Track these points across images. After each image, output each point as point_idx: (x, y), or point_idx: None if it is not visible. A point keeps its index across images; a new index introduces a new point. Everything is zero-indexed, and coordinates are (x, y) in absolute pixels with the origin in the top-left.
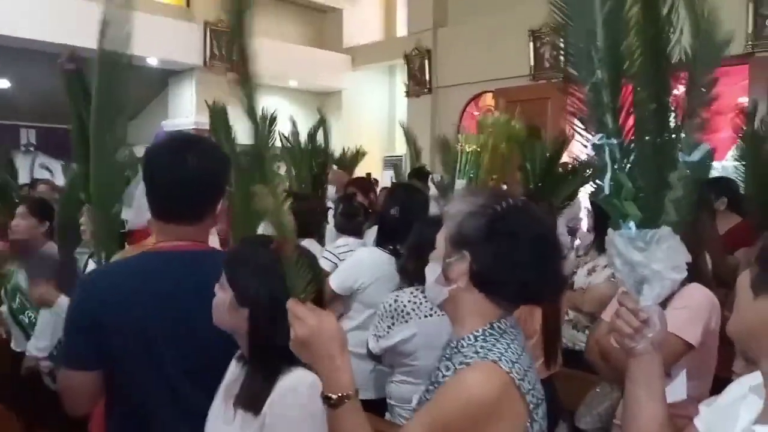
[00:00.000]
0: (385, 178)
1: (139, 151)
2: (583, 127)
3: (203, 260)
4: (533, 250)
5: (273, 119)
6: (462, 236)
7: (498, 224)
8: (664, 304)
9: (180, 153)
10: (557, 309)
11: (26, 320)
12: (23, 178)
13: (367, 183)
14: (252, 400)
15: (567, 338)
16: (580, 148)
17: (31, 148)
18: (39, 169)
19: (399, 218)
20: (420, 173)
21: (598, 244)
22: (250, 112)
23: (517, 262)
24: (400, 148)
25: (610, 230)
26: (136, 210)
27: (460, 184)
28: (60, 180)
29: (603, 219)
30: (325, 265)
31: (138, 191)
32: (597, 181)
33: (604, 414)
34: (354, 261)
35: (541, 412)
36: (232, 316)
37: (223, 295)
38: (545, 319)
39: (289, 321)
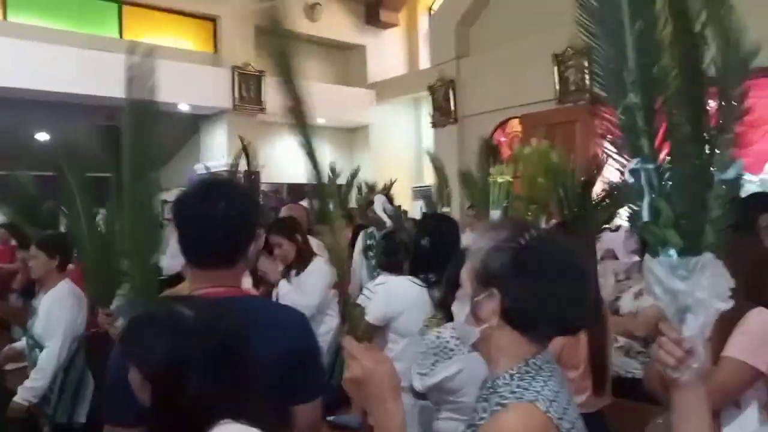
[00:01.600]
0: (414, 209)
1: (173, 195)
2: (615, 151)
3: (240, 305)
4: (562, 281)
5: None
6: (489, 273)
7: (524, 258)
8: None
9: (209, 198)
10: (602, 335)
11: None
12: (63, 226)
13: (292, 224)
14: None
15: (619, 366)
16: (612, 171)
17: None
18: None
19: (429, 248)
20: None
21: (642, 268)
22: (309, 152)
23: (548, 295)
24: (429, 179)
25: (647, 258)
26: (170, 255)
27: (494, 215)
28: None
29: (646, 243)
30: (364, 302)
31: (173, 239)
32: (634, 207)
33: None
34: (384, 291)
35: None
36: (145, 395)
37: (132, 374)
38: (590, 347)
39: (345, 359)
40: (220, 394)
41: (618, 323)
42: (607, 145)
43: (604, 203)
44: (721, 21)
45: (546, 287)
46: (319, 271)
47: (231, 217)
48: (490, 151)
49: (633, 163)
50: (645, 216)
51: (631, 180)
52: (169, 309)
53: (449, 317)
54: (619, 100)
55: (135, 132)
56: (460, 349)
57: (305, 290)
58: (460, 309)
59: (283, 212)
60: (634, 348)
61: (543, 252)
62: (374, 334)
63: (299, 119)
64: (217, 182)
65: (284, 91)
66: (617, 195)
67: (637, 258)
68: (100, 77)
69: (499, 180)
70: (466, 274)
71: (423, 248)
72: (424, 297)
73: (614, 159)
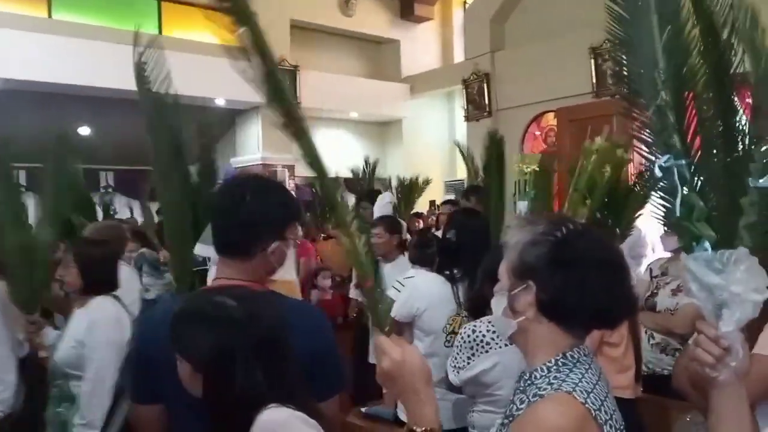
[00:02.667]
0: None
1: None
2: (648, 150)
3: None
4: (599, 274)
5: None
6: (525, 266)
7: (561, 251)
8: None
9: (235, 190)
10: (638, 329)
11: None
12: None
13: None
14: None
15: (654, 362)
16: (638, 168)
17: (110, 190)
18: (123, 209)
19: (456, 242)
20: (476, 190)
21: None
22: (316, 166)
23: (584, 288)
24: (462, 173)
25: (683, 255)
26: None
27: (522, 206)
28: (140, 218)
29: None
30: (393, 294)
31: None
32: (666, 204)
33: None
34: (410, 288)
35: None
36: (195, 385)
37: (182, 366)
38: (630, 326)
39: (375, 354)
40: (267, 381)
41: (655, 320)
42: (637, 143)
43: (630, 199)
44: (750, 26)
45: (582, 280)
46: None
47: (250, 212)
48: (494, 146)
49: (665, 159)
50: (677, 211)
51: (659, 175)
52: (213, 301)
53: (475, 315)
54: (652, 101)
55: (161, 124)
56: (497, 342)
57: None
58: (498, 303)
59: None
60: (671, 345)
61: (579, 245)
62: (401, 331)
63: (299, 136)
64: (248, 178)
65: (277, 110)
66: (642, 190)
67: (671, 254)
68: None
69: (526, 170)
70: (503, 268)
71: (450, 243)
72: (448, 293)
73: (644, 157)
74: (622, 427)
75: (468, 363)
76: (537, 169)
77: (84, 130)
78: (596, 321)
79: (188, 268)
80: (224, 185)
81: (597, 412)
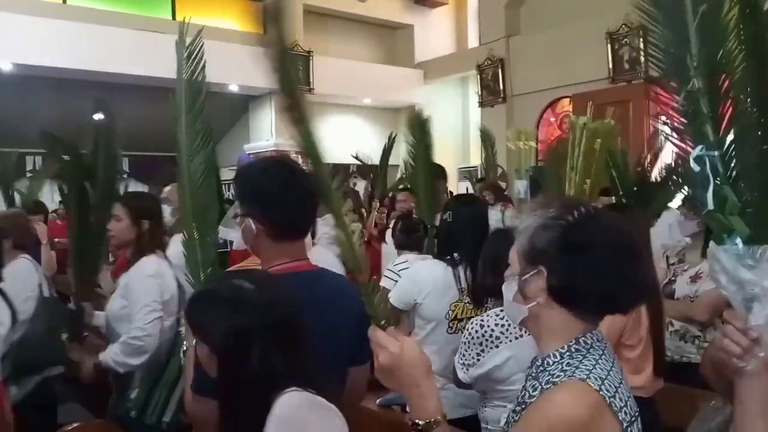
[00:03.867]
0: (460, 190)
1: (224, 174)
2: (677, 136)
3: (316, 279)
4: (611, 258)
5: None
6: (535, 251)
7: (572, 235)
8: None
9: (290, 173)
10: (661, 315)
11: None
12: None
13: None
14: None
15: (673, 350)
16: (671, 156)
17: (125, 176)
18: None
19: (453, 226)
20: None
21: (704, 251)
22: (311, 153)
23: (596, 272)
24: (475, 159)
25: (712, 245)
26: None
27: (521, 185)
28: None
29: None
30: (386, 283)
31: (232, 212)
32: (697, 194)
33: (715, 429)
34: (409, 275)
35: (635, 430)
36: (212, 368)
37: (200, 349)
38: (652, 328)
39: (372, 348)
40: (284, 365)
41: (674, 307)
42: (666, 129)
43: (663, 185)
44: None
45: (593, 265)
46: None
47: (309, 190)
48: (419, 128)
49: (697, 150)
50: (710, 204)
51: (695, 167)
52: (230, 283)
53: (477, 302)
54: (682, 85)
55: (188, 110)
56: (506, 336)
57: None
58: (508, 288)
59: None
60: (690, 332)
61: (591, 229)
62: (399, 318)
63: (299, 125)
64: (289, 159)
65: (284, 98)
66: (676, 178)
67: (689, 240)
68: (154, 58)
69: (522, 147)
70: (514, 253)
71: (447, 226)
72: (449, 279)
73: (675, 144)
74: (636, 414)
75: (478, 359)
76: (533, 144)
77: (98, 117)
78: (608, 306)
79: (212, 253)
80: (261, 167)
81: (611, 399)
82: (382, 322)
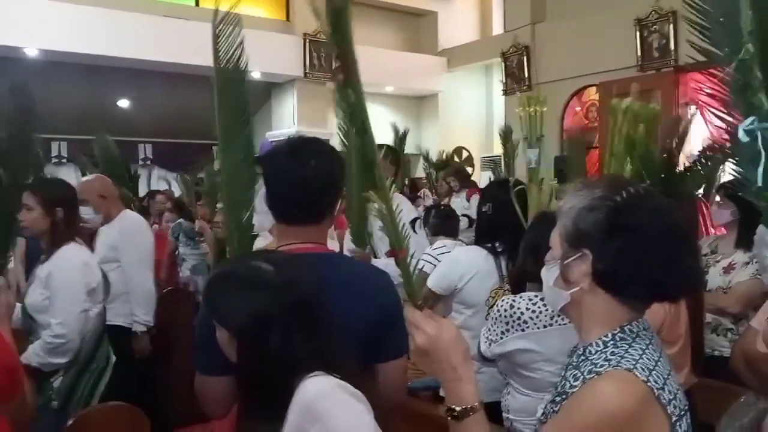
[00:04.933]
0: (483, 179)
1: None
2: (725, 111)
3: (326, 261)
4: (663, 242)
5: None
6: (580, 233)
7: (620, 217)
8: None
9: (300, 155)
10: (701, 310)
11: None
12: (142, 190)
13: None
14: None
15: (705, 344)
16: (703, 137)
17: (149, 162)
18: (158, 181)
19: (493, 215)
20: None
21: (738, 240)
22: (357, 119)
23: (646, 256)
24: (499, 148)
25: (761, 228)
26: (262, 215)
27: (532, 153)
28: (176, 190)
29: (749, 213)
30: (426, 268)
31: (259, 197)
32: (745, 172)
33: (747, 425)
34: (451, 260)
35: (684, 425)
36: (232, 351)
37: (220, 332)
38: (692, 322)
39: (408, 330)
40: (306, 349)
41: (706, 299)
42: (706, 106)
43: (693, 171)
44: None
45: (643, 248)
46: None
47: (320, 175)
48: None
49: (748, 122)
50: (759, 180)
51: (745, 140)
52: (249, 265)
53: (517, 289)
54: (734, 54)
55: (224, 96)
56: (534, 322)
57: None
58: (548, 273)
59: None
60: (723, 325)
61: (640, 211)
62: (437, 303)
63: (349, 85)
64: (307, 140)
65: (337, 56)
66: (705, 164)
67: (723, 231)
68: (178, 44)
69: (532, 114)
70: (556, 236)
71: (486, 216)
72: (490, 265)
73: (722, 119)
74: (686, 408)
75: (501, 338)
76: (544, 109)
77: (123, 103)
78: (657, 294)
79: (249, 235)
80: (278, 150)
81: (660, 391)
82: (419, 302)
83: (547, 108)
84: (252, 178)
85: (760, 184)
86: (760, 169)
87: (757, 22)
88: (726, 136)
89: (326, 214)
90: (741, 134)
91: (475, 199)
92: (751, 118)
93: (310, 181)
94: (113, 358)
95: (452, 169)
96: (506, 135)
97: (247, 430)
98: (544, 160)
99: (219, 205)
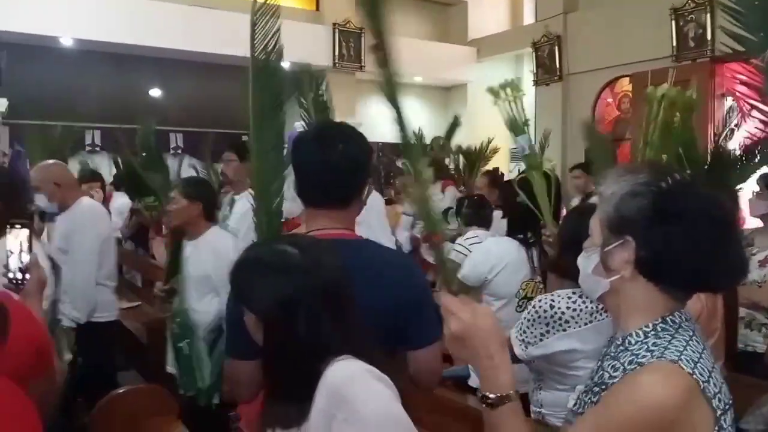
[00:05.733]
0: (512, 172)
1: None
2: (761, 99)
3: (352, 246)
4: (709, 231)
5: None
6: (623, 219)
7: (665, 203)
8: None
9: (327, 139)
10: (736, 304)
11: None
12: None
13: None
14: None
15: (738, 338)
16: (753, 126)
17: (179, 151)
18: (187, 169)
19: (526, 206)
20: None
21: None
22: (395, 106)
23: (691, 245)
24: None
25: None
26: (291, 201)
27: (522, 140)
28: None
29: None
30: (455, 257)
31: (288, 183)
32: None
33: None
34: (482, 250)
35: (729, 419)
36: (258, 335)
37: (247, 316)
38: (727, 315)
39: (442, 315)
40: (332, 332)
41: (741, 293)
42: (744, 96)
43: (741, 163)
44: None
45: (688, 236)
46: None
47: (348, 159)
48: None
49: None
50: None
51: None
52: (275, 249)
53: (546, 283)
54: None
55: (258, 85)
56: (576, 321)
57: None
58: (586, 260)
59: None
60: (756, 320)
61: (686, 198)
62: (467, 294)
63: (387, 75)
64: (334, 125)
65: (375, 45)
66: (755, 154)
67: (761, 223)
68: (209, 34)
69: (509, 101)
70: (596, 222)
71: (519, 206)
72: (522, 257)
73: (758, 109)
74: (731, 402)
75: (540, 340)
76: (524, 94)
77: (155, 92)
78: (701, 284)
79: (278, 221)
80: (306, 134)
81: (705, 384)
82: (454, 288)
83: (547, 97)
84: (281, 164)
85: None
86: None
87: None
88: (761, 126)
89: (353, 198)
90: None
91: (451, 191)
92: None
93: (336, 164)
94: (68, 356)
95: (428, 159)
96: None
97: (274, 413)
98: (577, 152)
99: (172, 194)
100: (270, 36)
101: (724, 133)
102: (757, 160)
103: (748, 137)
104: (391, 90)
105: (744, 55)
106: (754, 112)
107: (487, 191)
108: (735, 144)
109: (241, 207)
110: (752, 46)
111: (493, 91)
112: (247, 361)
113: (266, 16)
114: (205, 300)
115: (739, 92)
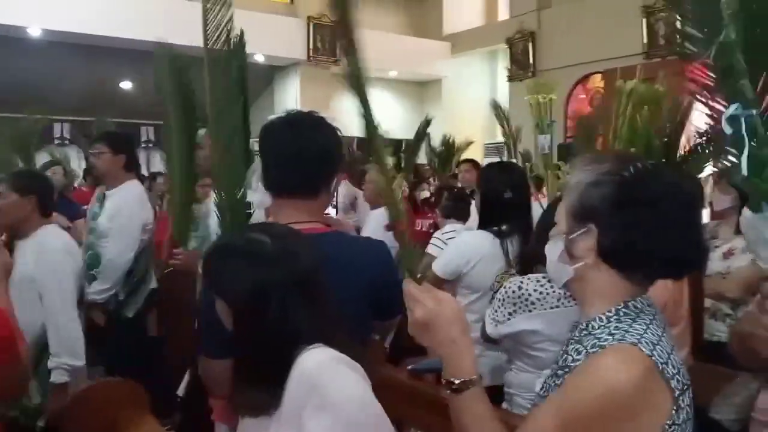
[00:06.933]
0: None
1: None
2: (708, 96)
3: (327, 240)
4: (669, 218)
5: None
6: (586, 208)
7: (627, 191)
8: None
9: (294, 127)
10: (701, 294)
11: None
12: (144, 172)
13: None
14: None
15: (705, 329)
16: (703, 121)
17: (150, 145)
18: (160, 163)
19: (507, 200)
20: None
21: (738, 227)
22: (361, 98)
23: (652, 232)
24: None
25: (747, 213)
26: (260, 193)
27: (543, 140)
28: None
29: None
30: (433, 251)
31: (255, 175)
32: (731, 160)
33: (741, 405)
34: (457, 244)
35: (687, 399)
36: (228, 322)
37: (219, 304)
38: (692, 304)
39: (405, 303)
40: (304, 320)
41: (706, 284)
42: (696, 90)
43: (692, 156)
44: None
45: (650, 224)
46: None
47: (316, 145)
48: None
49: (732, 109)
50: (743, 168)
51: (728, 129)
52: (246, 237)
53: (524, 272)
54: (714, 37)
55: (214, 76)
56: (542, 304)
57: None
58: (552, 248)
59: None
60: (721, 310)
61: (649, 186)
62: (441, 288)
63: (353, 67)
64: (304, 114)
65: (341, 37)
66: (705, 147)
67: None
68: (180, 25)
69: (541, 100)
70: (561, 211)
71: (492, 198)
72: (497, 250)
73: (706, 105)
74: (688, 383)
75: (508, 319)
76: (553, 98)
77: (126, 85)
78: (663, 269)
79: (243, 213)
80: (274, 122)
81: (664, 365)
82: (418, 276)
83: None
84: (244, 154)
85: (744, 171)
86: (744, 157)
87: (739, 4)
88: (711, 123)
89: (321, 188)
90: (724, 124)
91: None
92: (734, 106)
93: (305, 150)
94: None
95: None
96: (499, 115)
97: (244, 400)
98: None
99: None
100: (222, 26)
101: (673, 126)
102: (703, 156)
103: (696, 133)
104: (357, 80)
105: (696, 55)
106: (700, 106)
107: (470, 175)
108: (684, 139)
109: (114, 204)
110: (697, 43)
111: (528, 88)
112: (222, 360)
113: (218, 5)
114: (29, 309)
115: (691, 89)
